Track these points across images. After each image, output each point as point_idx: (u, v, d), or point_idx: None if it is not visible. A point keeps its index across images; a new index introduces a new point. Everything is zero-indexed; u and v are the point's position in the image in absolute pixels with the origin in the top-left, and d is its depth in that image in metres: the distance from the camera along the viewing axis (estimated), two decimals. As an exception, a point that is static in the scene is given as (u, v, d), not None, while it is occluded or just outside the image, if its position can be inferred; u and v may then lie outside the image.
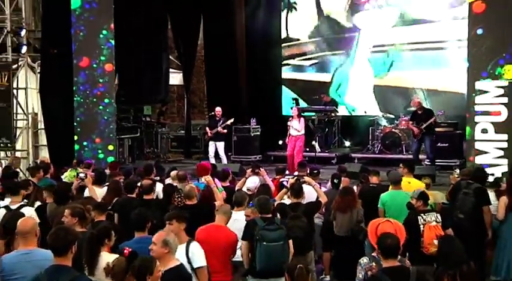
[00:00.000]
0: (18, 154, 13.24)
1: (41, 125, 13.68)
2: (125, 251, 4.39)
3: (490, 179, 8.57)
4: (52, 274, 3.91)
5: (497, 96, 9.63)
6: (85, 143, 12.51)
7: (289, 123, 12.15)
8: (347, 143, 15.01)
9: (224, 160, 12.91)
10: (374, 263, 4.53)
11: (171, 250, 4.42)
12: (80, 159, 10.83)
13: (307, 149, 13.56)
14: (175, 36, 15.92)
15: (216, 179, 7.85)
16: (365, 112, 15.22)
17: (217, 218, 5.85)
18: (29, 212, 6.16)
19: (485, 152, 9.71)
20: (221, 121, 12.84)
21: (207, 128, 13.14)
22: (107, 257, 4.87)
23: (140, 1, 13.93)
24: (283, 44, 16.18)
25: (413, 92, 14.42)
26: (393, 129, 13.73)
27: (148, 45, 15.21)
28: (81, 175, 7.69)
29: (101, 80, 12.48)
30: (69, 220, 5.39)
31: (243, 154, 14.01)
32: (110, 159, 12.44)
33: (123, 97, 13.95)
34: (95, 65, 12.44)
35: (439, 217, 6.18)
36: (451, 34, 14.20)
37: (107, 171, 9.10)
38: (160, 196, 7.49)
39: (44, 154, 13.15)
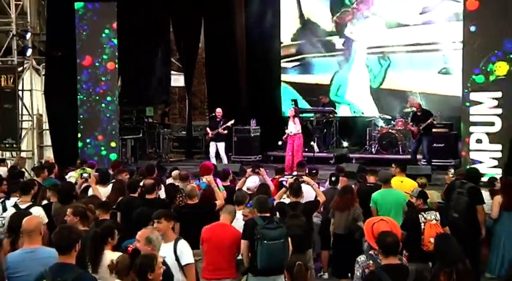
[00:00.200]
0: (23, 154, 13.25)
1: (46, 126, 13.69)
2: (129, 248, 4.40)
3: (485, 178, 8.60)
4: (56, 272, 3.91)
5: (491, 107, 9.63)
6: (88, 140, 12.58)
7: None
8: (345, 144, 15.01)
9: (225, 160, 12.91)
10: (371, 261, 4.52)
11: (154, 247, 4.38)
12: (83, 159, 10.83)
13: (306, 150, 13.56)
14: (177, 39, 15.93)
15: (218, 180, 7.85)
16: (362, 113, 15.24)
17: (222, 217, 5.87)
18: (38, 211, 6.18)
19: (480, 162, 9.72)
20: (221, 122, 12.84)
21: (208, 129, 13.14)
22: (110, 256, 4.87)
23: (143, 5, 13.93)
24: (283, 46, 16.17)
25: (409, 93, 14.37)
26: (390, 130, 13.74)
27: (151, 48, 15.25)
28: (85, 174, 7.69)
29: (103, 79, 12.55)
30: (71, 219, 5.40)
31: (243, 154, 14.01)
32: (113, 156, 12.50)
33: (125, 99, 13.96)
34: (97, 64, 12.51)
35: (438, 215, 6.19)
36: (446, 35, 14.24)
37: (110, 171, 9.11)
38: (163, 196, 7.49)
39: (49, 154, 13.16)
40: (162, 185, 7.86)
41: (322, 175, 9.26)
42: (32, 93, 13.75)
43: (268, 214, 5.73)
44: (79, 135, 12.50)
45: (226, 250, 5.62)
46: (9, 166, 10.95)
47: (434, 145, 12.17)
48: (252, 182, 8.14)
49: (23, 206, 6.33)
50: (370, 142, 14.18)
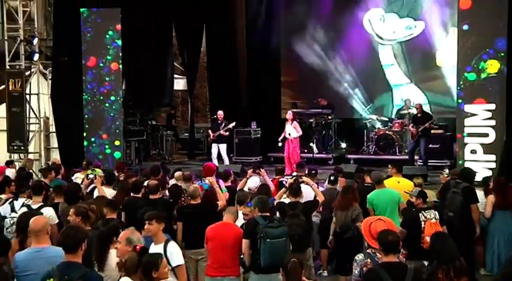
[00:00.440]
0: (31, 156, 13.26)
1: (52, 128, 13.70)
2: (137, 247, 4.42)
3: (479, 178, 8.60)
4: (63, 270, 3.91)
5: (485, 119, 9.62)
6: (93, 139, 12.61)
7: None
8: (343, 145, 15.00)
9: (226, 161, 12.92)
10: (369, 260, 4.52)
11: (133, 248, 4.29)
12: (89, 161, 10.83)
13: (306, 151, 13.57)
14: (180, 44, 15.95)
15: (220, 181, 7.85)
16: (360, 115, 15.24)
17: (225, 217, 5.89)
18: (49, 212, 6.19)
19: (475, 172, 9.70)
20: (223, 124, 12.85)
21: (210, 131, 13.15)
22: (115, 254, 4.87)
23: (146, 11, 13.95)
24: (282, 50, 16.20)
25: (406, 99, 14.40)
26: (387, 132, 13.76)
27: (154, 53, 15.26)
28: (91, 175, 7.69)
29: (107, 79, 12.58)
30: (74, 219, 5.41)
31: (244, 155, 14.02)
32: (117, 154, 12.53)
33: (130, 102, 13.98)
34: (101, 64, 12.53)
35: (437, 214, 6.20)
36: (441, 37, 14.33)
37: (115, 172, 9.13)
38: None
39: (55, 156, 13.18)
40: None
41: (322, 175, 9.27)
42: (39, 97, 13.76)
43: (268, 214, 5.74)
44: (84, 134, 12.53)
45: (230, 248, 5.64)
46: (17, 168, 10.97)
47: (430, 145, 12.18)
48: (252, 182, 8.14)
49: (35, 207, 6.34)
50: (368, 143, 14.19)
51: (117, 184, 8.33)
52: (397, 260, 4.28)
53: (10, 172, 9.89)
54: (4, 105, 13.49)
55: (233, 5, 15.34)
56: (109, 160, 12.47)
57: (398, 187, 7.55)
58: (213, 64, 16.05)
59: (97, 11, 12.59)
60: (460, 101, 10.01)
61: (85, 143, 12.56)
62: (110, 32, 12.47)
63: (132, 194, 7.13)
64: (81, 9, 12.55)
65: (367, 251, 4.63)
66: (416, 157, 12.38)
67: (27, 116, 13.34)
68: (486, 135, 9.62)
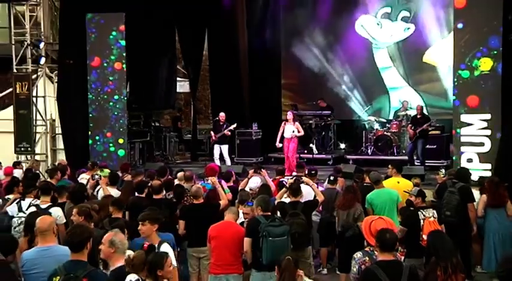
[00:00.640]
0: (37, 157, 13.29)
1: (58, 130, 13.71)
2: (144, 245, 4.43)
3: (475, 177, 8.61)
4: (69, 268, 3.92)
5: (480, 129, 9.62)
6: (97, 138, 12.63)
7: (283, 126, 12.07)
8: (342, 146, 14.99)
9: (228, 162, 12.92)
10: (367, 258, 4.52)
11: (117, 249, 4.23)
12: (94, 161, 10.84)
13: (305, 151, 13.57)
14: (182, 47, 15.97)
15: (222, 181, 7.85)
16: (359, 117, 15.25)
17: (227, 216, 5.90)
18: (57, 212, 6.20)
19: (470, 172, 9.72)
20: (225, 126, 12.86)
21: (212, 132, 13.16)
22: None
23: (150, 16, 13.96)
24: (283, 53, 16.21)
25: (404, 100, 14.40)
26: (385, 133, 13.75)
27: (158, 56, 15.28)
28: (96, 176, 7.71)
29: (111, 78, 12.61)
30: (77, 219, 5.42)
31: (245, 156, 14.02)
32: (121, 152, 12.55)
33: (134, 104, 13.99)
34: (105, 64, 12.56)
35: (435, 213, 6.20)
36: (438, 40, 14.33)
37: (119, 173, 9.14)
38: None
39: (61, 157, 13.18)
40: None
41: (321, 175, 9.27)
42: (46, 100, 13.78)
43: (269, 213, 5.75)
44: (89, 132, 12.57)
45: (232, 246, 5.66)
46: (24, 169, 10.98)
47: (427, 146, 12.17)
48: (254, 182, 8.15)
49: (43, 206, 6.35)
50: (366, 143, 14.18)
51: (121, 184, 8.36)
52: (393, 258, 4.28)
53: (17, 173, 9.92)
54: (11, 107, 13.51)
55: (234, 10, 15.33)
56: (113, 158, 12.50)
57: (398, 186, 7.56)
58: (215, 67, 16.05)
59: (101, 15, 12.62)
60: (454, 97, 10.01)
61: (90, 141, 12.60)
62: (114, 33, 12.51)
63: (136, 194, 7.14)
64: (87, 14, 12.58)
65: (366, 249, 4.63)
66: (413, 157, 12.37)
67: (34, 118, 13.36)
68: (482, 144, 9.60)
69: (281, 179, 8.34)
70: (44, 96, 13.75)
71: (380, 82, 15.31)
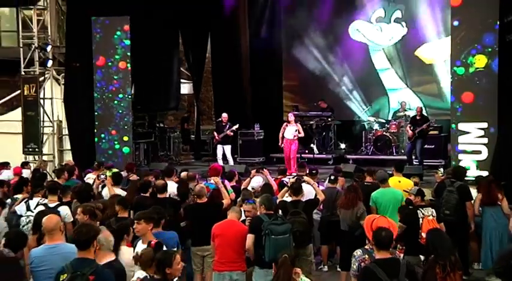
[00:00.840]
0: (45, 158, 13.30)
1: (65, 131, 13.73)
2: (152, 242, 4.43)
3: (473, 177, 8.60)
4: (76, 266, 3.93)
5: (477, 137, 9.59)
6: (102, 135, 12.66)
7: (284, 127, 12.08)
8: (342, 146, 14.98)
9: (231, 162, 12.93)
10: (367, 255, 4.52)
11: (101, 246, 4.21)
12: (100, 162, 10.86)
13: (306, 151, 13.57)
14: (186, 50, 15.98)
15: (226, 181, 7.86)
16: (359, 117, 15.24)
17: (230, 215, 5.93)
18: (65, 210, 6.22)
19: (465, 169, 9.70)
20: (227, 126, 12.88)
21: (215, 133, 13.17)
22: (126, 251, 4.89)
23: (155, 19, 13.98)
24: (284, 55, 16.21)
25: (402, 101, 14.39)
26: (384, 133, 13.75)
27: (162, 59, 15.28)
28: (102, 176, 7.72)
29: (115, 77, 12.64)
30: (82, 217, 5.43)
31: (248, 156, 14.02)
32: (126, 149, 12.58)
33: (139, 105, 14.01)
34: (110, 63, 12.59)
35: (434, 211, 6.19)
36: (435, 41, 14.30)
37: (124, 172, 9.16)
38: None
39: (68, 158, 13.20)
40: (174, 184, 7.87)
41: (322, 174, 9.27)
42: (53, 101, 13.79)
43: (272, 212, 5.76)
44: (95, 130, 12.60)
45: (236, 244, 5.68)
46: (32, 169, 11.00)
47: (425, 146, 12.17)
48: (256, 182, 8.15)
49: (51, 205, 6.37)
50: (366, 143, 14.18)
51: (127, 184, 8.38)
52: (390, 256, 4.28)
53: (25, 173, 9.95)
54: (19, 109, 13.54)
55: (236, 13, 15.35)
56: (118, 155, 12.54)
57: (399, 185, 7.54)
58: (217, 69, 16.06)
59: (107, 18, 12.66)
60: (451, 93, 10.02)
61: (95, 139, 12.64)
62: (118, 33, 12.55)
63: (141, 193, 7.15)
64: (92, 18, 12.61)
65: (365, 247, 4.64)
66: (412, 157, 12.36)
67: (42, 119, 13.37)
68: (479, 152, 9.58)
69: (282, 179, 8.35)
70: (51, 98, 13.76)
71: (379, 83, 15.29)
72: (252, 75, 15.65)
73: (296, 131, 11.88)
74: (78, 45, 12.82)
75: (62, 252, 4.37)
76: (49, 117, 13.74)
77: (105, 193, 7.52)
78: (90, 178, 8.98)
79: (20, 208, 6.68)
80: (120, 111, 12.64)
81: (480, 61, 9.49)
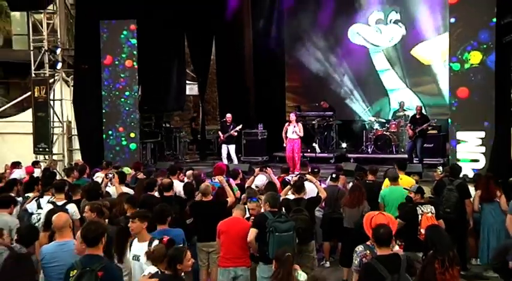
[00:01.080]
0: (55, 157, 13.34)
1: (74, 131, 13.77)
2: (164, 239, 4.44)
3: (470, 175, 8.58)
4: (85, 262, 3.95)
5: (476, 146, 9.56)
6: (110, 132, 12.69)
7: (286, 127, 12.08)
8: (344, 145, 14.96)
9: (235, 161, 12.93)
10: (368, 251, 4.52)
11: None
12: (108, 161, 10.88)
13: (309, 150, 13.56)
14: (191, 52, 16.00)
15: (230, 179, 7.86)
16: (360, 117, 15.22)
17: (235, 212, 5.94)
18: (73, 208, 6.23)
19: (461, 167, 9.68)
20: (231, 126, 12.90)
21: (220, 133, 13.18)
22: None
23: (160, 22, 13.99)
24: (286, 57, 16.19)
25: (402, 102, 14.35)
26: (384, 132, 13.73)
27: (168, 61, 15.30)
28: (110, 175, 7.73)
29: (122, 75, 12.69)
30: (89, 215, 5.44)
31: (251, 155, 14.01)
32: (133, 146, 12.61)
33: (145, 106, 14.03)
34: (117, 62, 12.63)
35: (433, 209, 6.19)
36: (434, 41, 14.27)
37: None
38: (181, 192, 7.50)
39: (77, 157, 13.24)
40: (180, 183, 7.88)
41: (324, 173, 9.26)
42: (62, 103, 13.84)
43: (276, 209, 5.76)
44: (103, 128, 12.64)
45: (241, 240, 5.68)
46: (42, 168, 11.04)
47: (425, 145, 12.15)
48: (259, 180, 8.15)
49: (59, 203, 6.39)
50: (367, 143, 14.16)
51: (135, 182, 8.39)
52: (391, 252, 4.28)
53: (36, 172, 9.98)
54: (30, 110, 13.59)
55: (240, 17, 15.36)
56: (125, 151, 12.59)
57: (400, 183, 7.54)
58: (222, 71, 16.08)
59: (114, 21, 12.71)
60: (448, 89, 10.05)
61: (103, 136, 12.68)
62: (125, 32, 12.60)
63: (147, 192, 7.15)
64: (100, 21, 12.65)
65: (367, 243, 4.64)
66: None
67: (52, 120, 13.41)
68: (477, 161, 9.56)
69: (285, 177, 8.35)
70: (60, 100, 13.81)
71: (379, 84, 15.26)
72: (255, 77, 15.66)
73: (297, 129, 11.87)
74: (86, 47, 12.85)
75: (72, 249, 4.39)
76: (59, 118, 13.78)
77: (112, 191, 7.53)
78: (98, 176, 9.00)
79: (31, 206, 6.71)
80: (127, 108, 12.69)
81: (475, 57, 9.51)
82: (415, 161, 12.00)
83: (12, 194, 7.12)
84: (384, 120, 14.38)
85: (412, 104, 14.19)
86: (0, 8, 18.35)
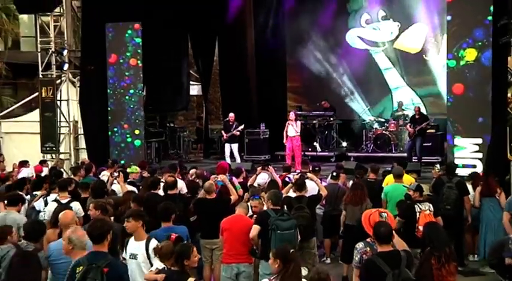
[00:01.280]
0: (62, 156, 13.37)
1: (81, 131, 13.79)
2: (172, 236, 4.44)
3: (468, 173, 8.56)
4: (91, 259, 3.95)
5: (473, 152, 9.53)
6: (115, 129, 12.71)
7: (287, 126, 12.07)
8: (344, 144, 14.93)
9: (238, 160, 12.93)
10: (368, 248, 4.52)
11: (75, 246, 4.13)
12: (114, 159, 10.89)
13: (310, 149, 13.54)
14: (195, 53, 16.00)
15: (234, 178, 7.86)
16: (359, 117, 15.20)
17: (238, 210, 5.95)
18: (76, 205, 6.24)
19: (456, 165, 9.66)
20: (234, 125, 12.90)
21: (223, 132, 13.18)
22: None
23: (165, 25, 13.99)
24: (288, 58, 16.18)
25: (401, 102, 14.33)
26: (384, 132, 13.71)
27: (172, 62, 15.30)
28: (115, 173, 7.74)
29: (127, 74, 12.71)
30: (94, 212, 5.44)
31: (254, 154, 13.99)
32: (137, 142, 12.64)
33: (150, 106, 14.04)
34: (121, 61, 12.65)
35: (431, 206, 6.19)
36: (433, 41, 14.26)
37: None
38: (184, 190, 7.50)
39: (84, 156, 13.27)
40: (182, 181, 7.88)
41: (324, 171, 9.25)
42: (69, 103, 13.87)
43: (279, 207, 5.76)
44: (108, 125, 12.67)
45: (244, 237, 5.69)
46: (49, 167, 11.05)
47: (423, 144, 12.13)
48: (262, 178, 8.15)
49: (63, 201, 6.39)
50: (366, 142, 14.14)
51: (141, 180, 8.40)
52: (392, 249, 4.27)
53: (43, 171, 9.99)
54: (38, 110, 13.61)
55: (243, 18, 15.35)
56: (130, 148, 12.62)
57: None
58: (225, 71, 16.08)
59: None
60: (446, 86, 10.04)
61: (109, 133, 12.71)
62: (129, 31, 12.62)
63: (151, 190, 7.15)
64: (106, 24, 12.66)
65: (367, 240, 4.63)
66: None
67: (58, 120, 13.44)
68: (474, 166, 9.50)
69: (286, 176, 8.34)
70: (67, 100, 13.84)
71: (379, 84, 15.22)
72: (257, 77, 15.65)
73: (296, 127, 11.88)
74: (92, 49, 12.87)
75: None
76: (65, 118, 13.81)
77: (118, 189, 7.54)
78: (104, 175, 9.01)
79: (39, 204, 6.74)
80: (132, 106, 12.72)
81: (470, 54, 9.49)
82: (414, 160, 11.99)
83: (21, 193, 7.13)
84: (383, 120, 14.36)
85: (414, 101, 14.15)
86: (8, 11, 18.36)
